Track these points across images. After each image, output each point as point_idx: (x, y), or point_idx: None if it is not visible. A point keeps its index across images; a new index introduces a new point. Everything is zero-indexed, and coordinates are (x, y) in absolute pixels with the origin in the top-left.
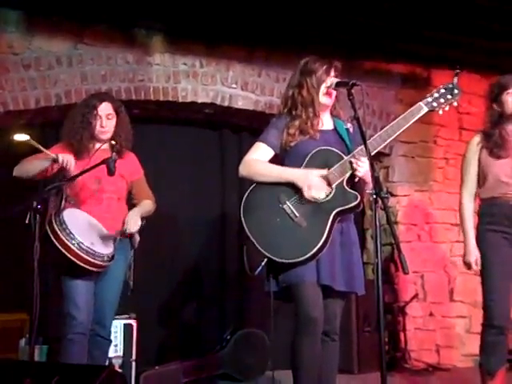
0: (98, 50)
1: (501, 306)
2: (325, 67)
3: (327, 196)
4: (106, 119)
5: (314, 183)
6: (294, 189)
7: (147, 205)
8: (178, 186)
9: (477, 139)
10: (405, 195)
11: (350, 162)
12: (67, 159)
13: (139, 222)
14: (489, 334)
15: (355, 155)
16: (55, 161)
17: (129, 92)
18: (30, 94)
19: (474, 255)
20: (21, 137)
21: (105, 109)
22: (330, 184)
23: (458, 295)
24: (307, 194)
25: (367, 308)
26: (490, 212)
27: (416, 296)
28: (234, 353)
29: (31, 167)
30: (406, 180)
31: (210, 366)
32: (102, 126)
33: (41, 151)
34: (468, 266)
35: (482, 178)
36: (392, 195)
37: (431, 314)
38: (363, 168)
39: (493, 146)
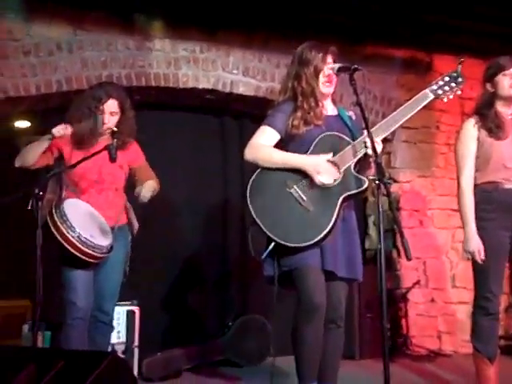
0: (97, 36)
1: (497, 294)
2: (321, 55)
3: (335, 181)
4: (109, 116)
5: (323, 169)
6: (301, 173)
7: (151, 184)
8: (178, 172)
9: (473, 121)
10: (407, 181)
11: (364, 142)
12: (60, 129)
13: (150, 193)
14: (486, 321)
15: (363, 140)
16: (51, 138)
17: (129, 78)
18: (31, 81)
19: (477, 244)
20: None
21: (110, 106)
22: (337, 168)
23: (459, 281)
24: (317, 180)
25: (369, 294)
26: (488, 198)
27: (418, 282)
28: (236, 339)
29: (31, 153)
30: (407, 166)
31: (211, 351)
32: (103, 123)
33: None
34: (471, 255)
35: (482, 161)
36: (394, 181)
37: (433, 300)
38: (378, 147)
39: (492, 125)
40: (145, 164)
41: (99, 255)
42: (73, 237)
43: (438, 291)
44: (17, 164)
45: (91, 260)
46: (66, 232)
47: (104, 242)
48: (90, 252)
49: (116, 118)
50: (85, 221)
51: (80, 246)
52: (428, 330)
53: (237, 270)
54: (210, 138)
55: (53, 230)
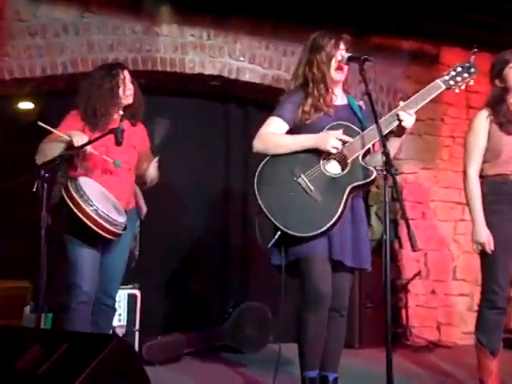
0: (104, 18)
1: (504, 287)
2: (333, 41)
3: (343, 170)
4: (129, 83)
5: (335, 143)
6: (309, 162)
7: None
8: (182, 157)
9: (485, 113)
10: (411, 173)
11: (397, 115)
12: (79, 140)
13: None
14: (492, 314)
15: (369, 132)
16: (69, 142)
17: (136, 62)
18: (37, 62)
19: (486, 235)
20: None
21: (127, 75)
22: (345, 159)
23: (460, 273)
24: (331, 150)
25: (370, 284)
26: (497, 190)
27: (419, 273)
28: (237, 325)
29: (50, 152)
30: (412, 157)
31: (212, 337)
32: (129, 89)
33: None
34: (480, 246)
35: (492, 153)
36: (400, 173)
37: (433, 292)
38: (411, 119)
39: (503, 120)
40: (149, 150)
41: (116, 231)
42: (91, 210)
43: (438, 283)
44: (39, 163)
45: (109, 236)
46: (84, 205)
47: (120, 218)
48: (108, 227)
49: (133, 90)
50: (100, 197)
51: (99, 220)
52: (428, 321)
53: (238, 257)
54: (214, 124)
55: (70, 204)
